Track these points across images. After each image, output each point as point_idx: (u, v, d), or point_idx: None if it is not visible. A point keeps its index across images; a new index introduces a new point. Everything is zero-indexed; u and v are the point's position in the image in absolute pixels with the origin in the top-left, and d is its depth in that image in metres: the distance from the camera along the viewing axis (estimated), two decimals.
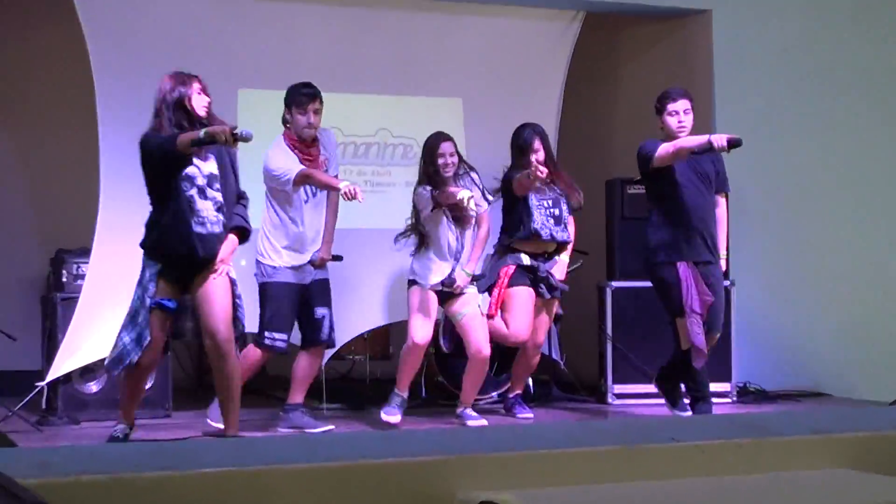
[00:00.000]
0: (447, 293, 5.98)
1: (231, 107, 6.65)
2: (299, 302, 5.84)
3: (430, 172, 5.93)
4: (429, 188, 5.90)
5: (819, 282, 7.51)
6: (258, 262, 5.86)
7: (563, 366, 7.04)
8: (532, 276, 6.19)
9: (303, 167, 5.71)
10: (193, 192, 5.12)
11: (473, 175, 6.12)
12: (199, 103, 5.19)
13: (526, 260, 6.18)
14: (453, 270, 5.93)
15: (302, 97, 5.77)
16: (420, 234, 6.00)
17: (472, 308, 5.98)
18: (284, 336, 5.79)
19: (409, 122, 7.03)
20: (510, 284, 6.16)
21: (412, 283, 5.99)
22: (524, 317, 6.17)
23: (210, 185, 5.18)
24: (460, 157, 6.03)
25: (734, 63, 7.47)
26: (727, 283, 6.82)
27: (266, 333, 5.77)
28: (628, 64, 8.25)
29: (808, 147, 7.57)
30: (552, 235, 6.18)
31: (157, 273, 5.08)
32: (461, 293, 5.98)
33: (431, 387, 6.87)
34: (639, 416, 6.34)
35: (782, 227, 7.49)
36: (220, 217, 5.18)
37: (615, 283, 6.92)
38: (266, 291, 5.82)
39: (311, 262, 5.85)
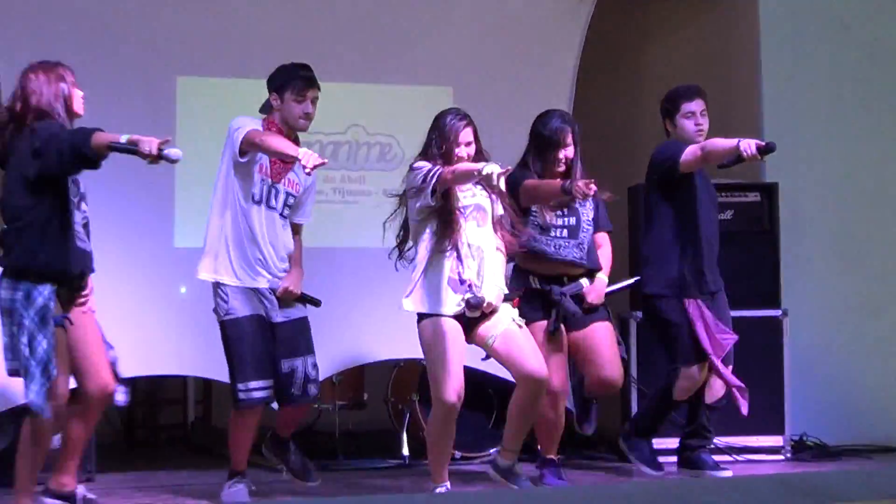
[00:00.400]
0: (472, 319, 5.49)
1: (169, 96, 6.67)
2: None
3: (436, 155, 5.48)
4: (427, 164, 5.42)
5: (892, 311, 7.51)
6: (213, 286, 5.63)
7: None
8: (543, 303, 5.92)
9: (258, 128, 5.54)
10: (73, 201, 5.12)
11: None
12: (79, 101, 5.16)
13: (534, 283, 5.97)
14: (469, 287, 5.44)
15: (299, 81, 5.67)
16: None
17: (502, 326, 5.51)
18: (261, 383, 5.52)
19: (388, 117, 7.02)
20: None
21: (422, 316, 5.51)
22: (555, 362, 5.86)
23: (82, 198, 5.25)
24: (478, 145, 5.60)
25: (785, 43, 7.48)
26: (779, 312, 6.87)
27: (238, 386, 5.52)
28: (655, 47, 8.28)
29: (876, 142, 7.57)
30: (562, 254, 5.95)
31: (55, 292, 4.97)
32: (491, 312, 5.50)
33: (417, 444, 6.80)
34: (670, 476, 6.33)
35: (845, 242, 7.49)
36: (85, 235, 5.23)
37: (640, 314, 6.86)
38: (225, 332, 5.60)
39: (272, 291, 5.63)
